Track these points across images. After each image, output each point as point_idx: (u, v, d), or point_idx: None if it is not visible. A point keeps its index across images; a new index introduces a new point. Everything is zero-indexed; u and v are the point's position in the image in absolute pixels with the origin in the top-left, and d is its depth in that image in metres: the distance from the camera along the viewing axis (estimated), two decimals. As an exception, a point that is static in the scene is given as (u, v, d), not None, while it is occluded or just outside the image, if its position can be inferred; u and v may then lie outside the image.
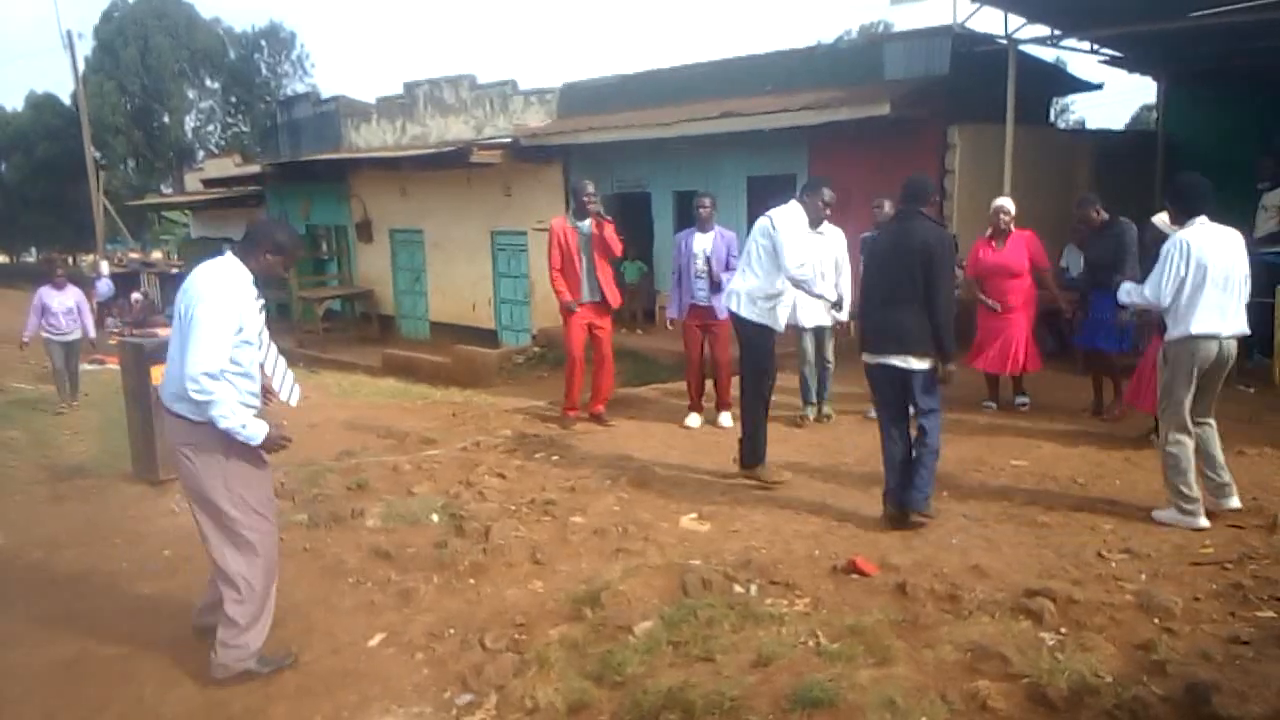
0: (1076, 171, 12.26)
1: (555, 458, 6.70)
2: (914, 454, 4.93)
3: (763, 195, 12.67)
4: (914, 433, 4.96)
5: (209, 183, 25.83)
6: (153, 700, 3.63)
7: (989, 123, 10.55)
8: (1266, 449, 6.05)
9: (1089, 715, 3.01)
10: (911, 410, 4.95)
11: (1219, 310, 4.68)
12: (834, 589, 4.14)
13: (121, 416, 7.09)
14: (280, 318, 20.40)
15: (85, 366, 10.67)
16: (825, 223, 6.40)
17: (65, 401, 9.92)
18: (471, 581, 4.53)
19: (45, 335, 10.02)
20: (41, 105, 40.49)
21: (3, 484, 6.95)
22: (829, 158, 11.86)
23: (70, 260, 39.00)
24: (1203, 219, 4.75)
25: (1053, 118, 16.39)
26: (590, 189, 7.49)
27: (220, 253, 3.72)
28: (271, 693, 3.62)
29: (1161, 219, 5.37)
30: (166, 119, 41.71)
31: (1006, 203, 7.44)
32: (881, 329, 4.94)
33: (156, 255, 37.55)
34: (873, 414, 6.81)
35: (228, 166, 27.11)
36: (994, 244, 7.36)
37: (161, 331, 8.06)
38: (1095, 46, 11.71)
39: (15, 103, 43.99)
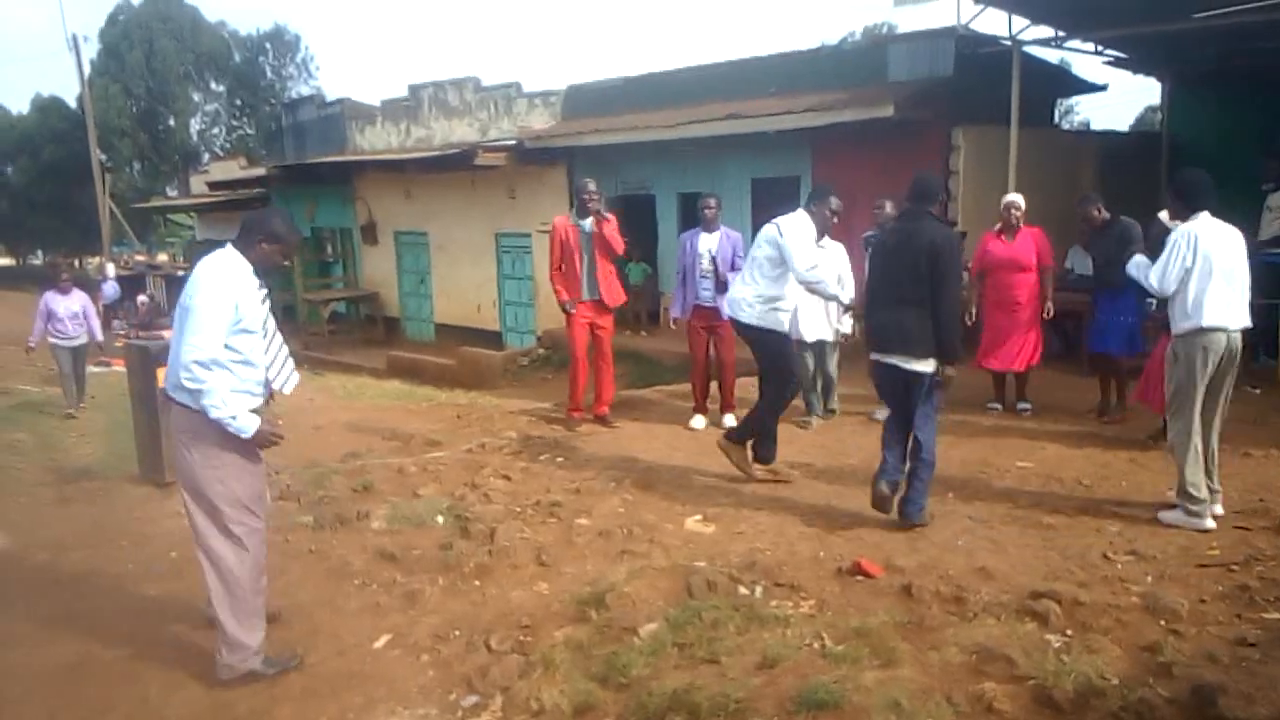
0: (1081, 173, 12.24)
1: (560, 459, 6.71)
2: (909, 466, 4.93)
3: (767, 197, 12.70)
4: (910, 444, 4.95)
5: (214, 185, 25.90)
6: (158, 702, 3.63)
7: (993, 124, 10.54)
8: (1273, 450, 6.03)
9: (1095, 717, 3.00)
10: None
11: (1226, 303, 4.68)
12: (839, 591, 4.14)
13: (127, 418, 7.12)
14: (285, 320, 20.43)
15: (92, 369, 10.68)
16: (826, 237, 6.42)
17: (72, 406, 9.93)
18: (477, 583, 4.54)
19: (52, 341, 10.02)
20: (47, 108, 40.56)
21: (9, 486, 6.97)
22: (833, 159, 11.87)
23: (76, 263, 39.13)
24: (1205, 215, 4.75)
25: (1057, 119, 16.36)
26: (592, 187, 7.50)
27: (222, 246, 3.74)
28: (277, 694, 3.63)
29: (1166, 214, 5.36)
30: (172, 122, 41.81)
31: (1017, 198, 7.44)
32: (886, 328, 4.93)
33: (162, 258, 37.61)
34: (877, 415, 6.85)
35: (233, 169, 27.17)
36: (1004, 237, 7.36)
37: (167, 334, 8.07)
38: (1099, 48, 11.69)
39: (21, 106, 44.17)
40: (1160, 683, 3.14)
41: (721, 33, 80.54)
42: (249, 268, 3.69)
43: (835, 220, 5.96)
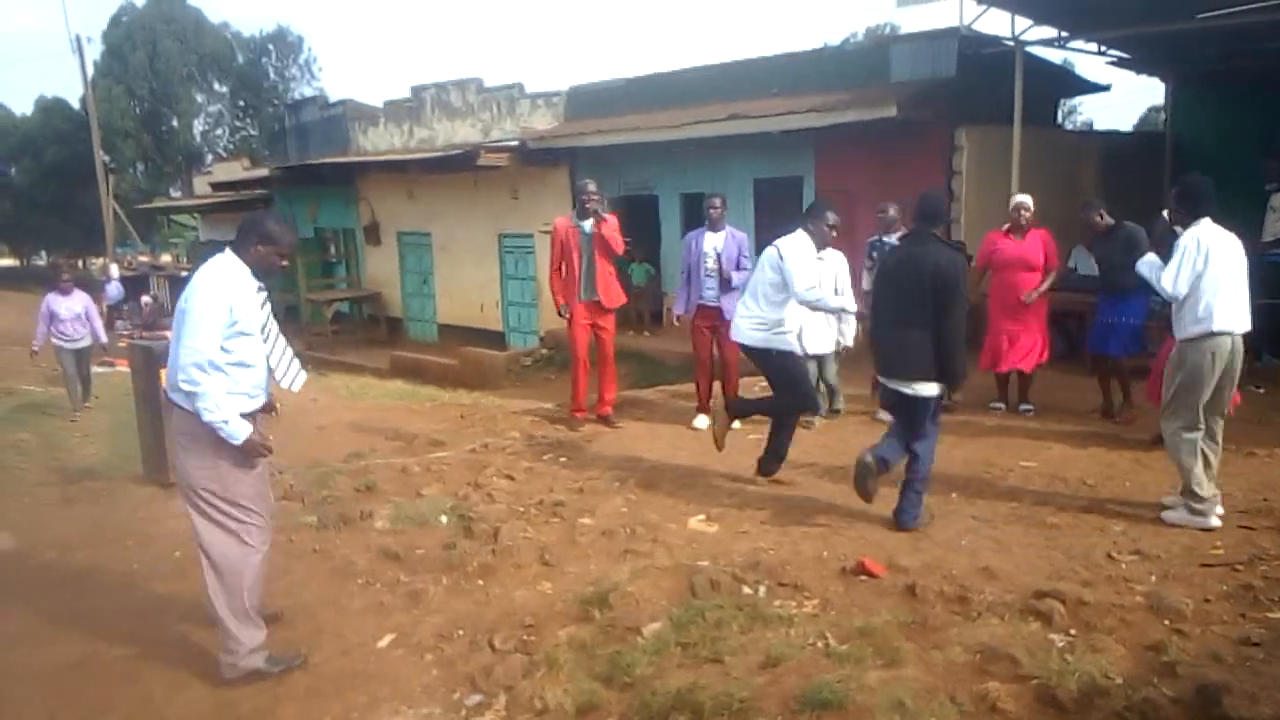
0: (1084, 173, 12.24)
1: (563, 459, 6.71)
2: (904, 478, 4.94)
3: (770, 197, 12.72)
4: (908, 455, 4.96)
5: (217, 186, 25.94)
6: (161, 701, 3.64)
7: (996, 124, 10.54)
8: (1277, 450, 6.02)
9: (1099, 717, 3.00)
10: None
11: (1233, 308, 4.69)
12: (843, 590, 4.14)
13: (131, 419, 7.13)
14: (289, 320, 20.48)
15: (96, 369, 10.69)
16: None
17: (77, 409, 9.93)
18: (480, 583, 4.54)
19: (55, 343, 10.01)
20: (51, 109, 40.64)
21: (13, 486, 6.98)
22: (835, 160, 11.87)
23: (80, 264, 39.18)
24: (1207, 221, 4.75)
25: (1060, 119, 16.35)
26: (591, 188, 7.50)
27: (225, 247, 3.77)
28: (281, 694, 3.63)
29: (1168, 213, 5.36)
30: (175, 123, 41.89)
31: (1026, 199, 7.42)
32: (889, 352, 4.95)
33: (166, 258, 37.64)
34: (881, 415, 6.85)
35: (236, 170, 27.21)
36: (1013, 237, 7.35)
37: (170, 334, 8.09)
38: (1102, 48, 11.67)
39: (25, 107, 44.16)
40: (1164, 682, 3.14)
41: (724, 33, 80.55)
42: (246, 271, 3.71)
43: (834, 235, 5.96)
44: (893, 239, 7.29)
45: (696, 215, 8.11)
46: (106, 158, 32.40)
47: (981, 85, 10.73)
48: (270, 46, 44.27)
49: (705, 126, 12.49)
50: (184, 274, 25.45)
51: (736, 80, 13.43)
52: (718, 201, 7.47)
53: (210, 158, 40.50)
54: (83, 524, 5.84)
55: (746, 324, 5.73)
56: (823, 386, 7.55)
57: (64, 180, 37.34)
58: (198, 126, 43.99)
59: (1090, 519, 4.97)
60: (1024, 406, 7.53)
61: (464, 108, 18.07)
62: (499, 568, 4.66)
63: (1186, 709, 2.97)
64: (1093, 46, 11.52)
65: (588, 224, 7.44)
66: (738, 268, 7.21)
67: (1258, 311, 4.89)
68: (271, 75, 44.39)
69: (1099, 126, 22.52)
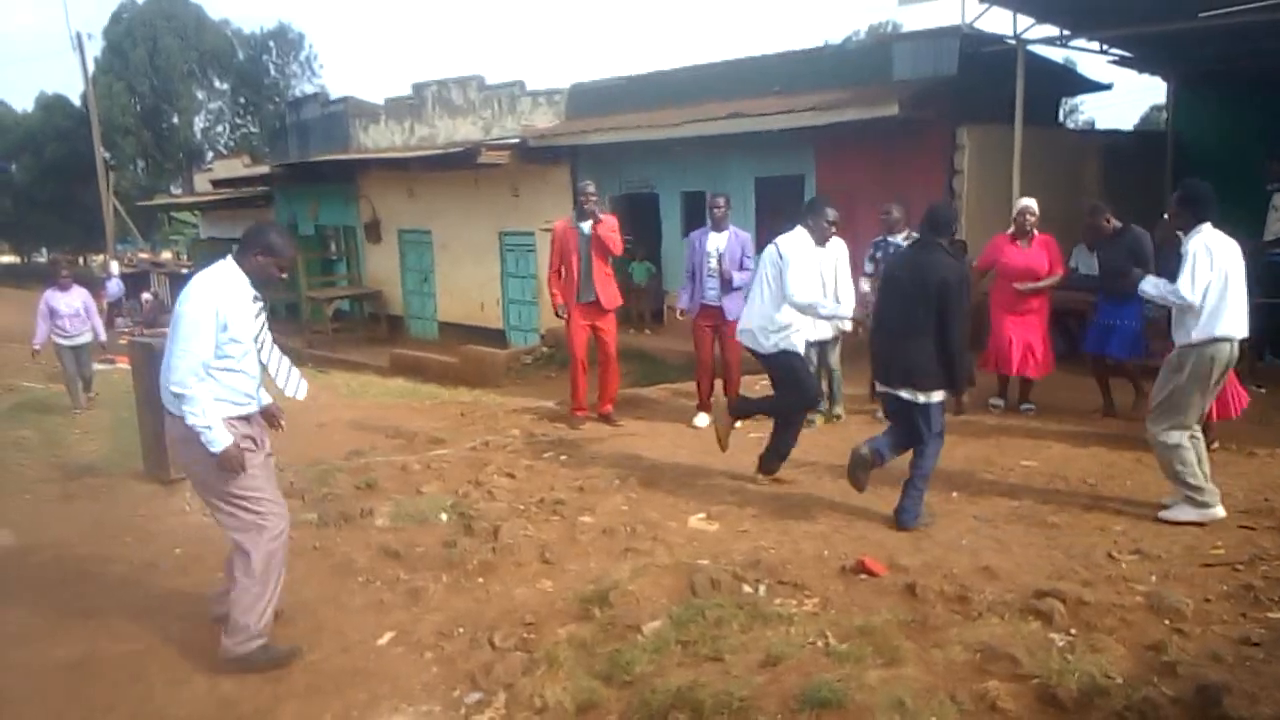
0: (1085, 172, 12.22)
1: (564, 457, 6.71)
2: (907, 476, 4.95)
3: (770, 196, 12.70)
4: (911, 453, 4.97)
5: (218, 183, 25.93)
6: (162, 699, 3.64)
7: (997, 123, 10.52)
8: (1278, 450, 6.02)
9: (1099, 716, 3.00)
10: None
11: (1237, 313, 4.70)
12: (843, 589, 4.14)
13: (132, 416, 7.13)
14: (290, 318, 20.50)
15: (97, 366, 10.67)
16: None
17: (78, 407, 9.91)
18: (480, 581, 4.54)
19: (54, 340, 9.97)
20: (51, 106, 40.67)
21: (14, 483, 6.98)
22: (837, 158, 11.86)
23: (81, 261, 39.21)
24: (1209, 225, 4.75)
25: (1062, 118, 16.34)
26: (590, 189, 7.50)
27: (226, 244, 3.80)
28: (281, 691, 3.63)
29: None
30: (175, 120, 41.92)
31: (1031, 203, 7.38)
32: (891, 362, 4.97)
33: (166, 255, 37.74)
34: (882, 414, 6.84)
35: (236, 167, 27.20)
36: (1019, 245, 7.32)
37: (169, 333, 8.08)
38: (1104, 47, 11.66)
39: (25, 104, 44.22)
40: (1164, 682, 3.14)
41: (725, 32, 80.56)
42: (244, 279, 3.77)
43: (834, 231, 5.94)
44: (897, 239, 7.28)
45: (697, 214, 8.12)
46: (107, 154, 32.40)
47: (983, 84, 10.72)
48: (271, 43, 44.29)
49: (706, 125, 12.47)
50: (184, 271, 25.53)
51: (737, 78, 13.41)
52: (721, 201, 7.46)
53: (211, 155, 40.51)
54: (83, 521, 5.84)
55: (757, 331, 5.71)
56: (825, 387, 7.53)
57: (65, 177, 37.38)
58: (198, 123, 44.02)
59: (1091, 518, 4.96)
60: (1025, 406, 7.52)
61: (465, 105, 18.06)
62: (499, 565, 4.66)
63: (1186, 709, 2.97)
64: (1094, 45, 11.51)
65: (586, 225, 7.43)
66: (741, 268, 7.20)
67: (1259, 311, 4.90)
68: (272, 72, 44.43)
69: (1101, 126, 22.50)
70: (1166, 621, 3.62)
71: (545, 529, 5.15)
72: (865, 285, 7.36)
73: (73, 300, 10.10)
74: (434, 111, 18.70)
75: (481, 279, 17.82)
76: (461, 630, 4.03)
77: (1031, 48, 10.40)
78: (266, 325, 3.90)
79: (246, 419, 3.84)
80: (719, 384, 7.72)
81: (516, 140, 15.57)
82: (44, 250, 46.84)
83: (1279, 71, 11.15)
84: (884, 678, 3.25)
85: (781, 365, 5.75)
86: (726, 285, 7.22)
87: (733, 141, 12.51)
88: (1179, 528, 4.72)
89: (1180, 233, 4.89)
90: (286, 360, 4.02)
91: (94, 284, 17.79)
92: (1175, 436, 4.77)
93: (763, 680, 3.32)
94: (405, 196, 19.03)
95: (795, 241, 5.60)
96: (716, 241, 7.34)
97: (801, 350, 5.89)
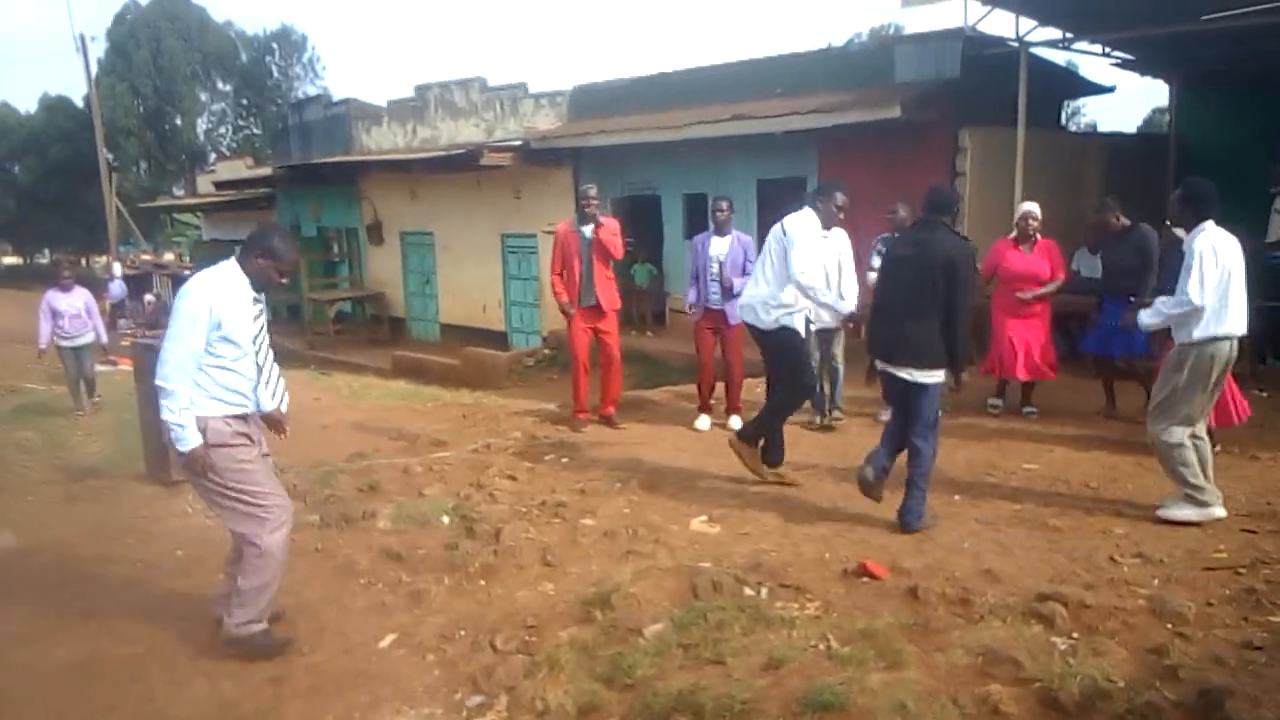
0: (1087, 174, 12.21)
1: (565, 460, 6.71)
2: (907, 476, 4.92)
3: (773, 198, 12.69)
4: (908, 450, 4.95)
5: (221, 185, 25.97)
6: (163, 700, 3.64)
7: (1000, 125, 10.52)
8: (1280, 453, 6.02)
9: (1101, 720, 3.00)
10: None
11: (1239, 312, 4.70)
12: (845, 592, 4.13)
13: (134, 417, 7.13)
14: (291, 319, 20.53)
15: (99, 367, 10.68)
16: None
17: (81, 409, 9.91)
18: (482, 583, 4.54)
19: (56, 341, 9.98)
20: (54, 108, 40.76)
21: (16, 484, 6.99)
22: (839, 160, 11.85)
23: (83, 262, 39.23)
24: (1211, 223, 4.74)
25: (1064, 120, 16.34)
26: (592, 192, 7.50)
27: (228, 246, 3.82)
28: (283, 692, 3.64)
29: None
30: (178, 121, 41.98)
31: (1034, 208, 7.37)
32: (893, 339, 4.92)
33: (169, 257, 37.73)
34: (883, 416, 6.83)
35: (239, 169, 27.24)
36: (1022, 249, 7.31)
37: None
38: (1107, 49, 11.67)
39: (28, 105, 44.30)
40: (1166, 686, 3.14)
41: (727, 34, 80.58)
42: (245, 281, 3.80)
43: (841, 216, 5.92)
44: None
45: (699, 216, 8.12)
46: (110, 156, 32.47)
47: (986, 86, 10.73)
48: (274, 45, 44.37)
49: (708, 127, 12.48)
50: (186, 273, 25.50)
51: (740, 80, 13.42)
52: (725, 205, 7.45)
53: (213, 156, 40.59)
54: (85, 522, 5.84)
55: (756, 307, 5.69)
56: (826, 387, 7.52)
57: (67, 178, 37.47)
58: (201, 125, 44.09)
59: (1093, 522, 4.96)
60: (1027, 409, 7.51)
61: (467, 107, 18.07)
62: (501, 568, 4.67)
63: (1188, 713, 2.97)
64: (1097, 48, 11.51)
65: (588, 229, 7.43)
66: (743, 273, 7.19)
67: (1260, 314, 4.89)
68: (275, 74, 44.49)
69: (1103, 128, 22.54)
70: (1169, 625, 3.62)
71: (547, 531, 5.15)
72: (873, 277, 7.35)
73: (74, 301, 10.10)
74: (436, 113, 18.71)
75: (483, 281, 17.83)
76: (463, 632, 4.03)
77: (1034, 50, 10.41)
78: (266, 328, 3.90)
79: (243, 418, 3.85)
80: (720, 386, 7.72)
81: (519, 142, 15.59)
82: (47, 251, 46.95)
83: (1281, 73, 11.15)
84: (886, 681, 3.25)
85: (780, 343, 5.72)
86: (728, 292, 7.21)
87: (735, 143, 12.52)
88: (1181, 531, 4.72)
89: (1183, 232, 4.88)
90: (277, 369, 4.02)
91: (96, 285, 17.82)
92: (1176, 435, 4.77)
93: (764, 683, 3.32)
94: (407, 198, 19.05)
95: (802, 221, 5.59)
96: (719, 246, 7.33)
97: (802, 331, 5.87)
